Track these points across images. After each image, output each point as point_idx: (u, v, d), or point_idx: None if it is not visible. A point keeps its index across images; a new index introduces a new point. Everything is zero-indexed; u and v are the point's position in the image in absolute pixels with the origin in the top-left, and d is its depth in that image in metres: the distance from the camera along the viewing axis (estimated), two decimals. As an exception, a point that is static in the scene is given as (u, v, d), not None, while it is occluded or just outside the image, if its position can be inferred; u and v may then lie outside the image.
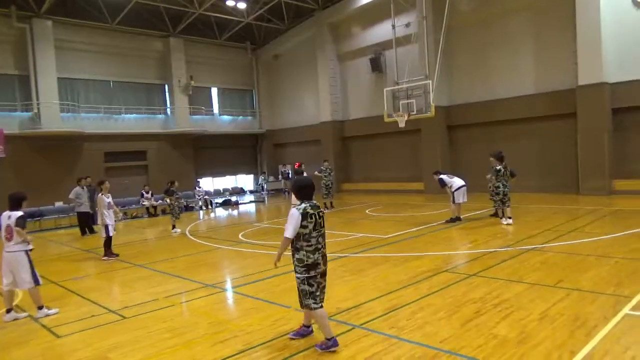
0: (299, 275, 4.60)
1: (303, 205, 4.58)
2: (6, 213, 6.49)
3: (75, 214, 15.65)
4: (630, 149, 16.26)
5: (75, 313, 6.49)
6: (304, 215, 4.51)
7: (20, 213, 6.46)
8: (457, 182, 12.47)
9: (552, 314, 5.19)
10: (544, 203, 15.02)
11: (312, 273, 4.54)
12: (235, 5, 24.00)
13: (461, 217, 12.48)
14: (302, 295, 4.65)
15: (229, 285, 7.86)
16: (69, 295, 7.52)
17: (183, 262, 9.88)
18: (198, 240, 12.57)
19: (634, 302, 5.41)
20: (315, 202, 4.70)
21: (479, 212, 13.59)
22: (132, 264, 9.89)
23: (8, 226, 6.36)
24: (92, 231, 15.30)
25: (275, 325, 5.44)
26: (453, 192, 12.38)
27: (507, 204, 11.54)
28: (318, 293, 4.61)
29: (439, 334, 4.85)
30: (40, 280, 6.53)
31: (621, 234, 9.41)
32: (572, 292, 5.94)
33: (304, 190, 4.72)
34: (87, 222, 15.33)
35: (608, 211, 12.69)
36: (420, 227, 11.98)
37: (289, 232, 4.52)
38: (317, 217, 4.59)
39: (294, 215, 4.51)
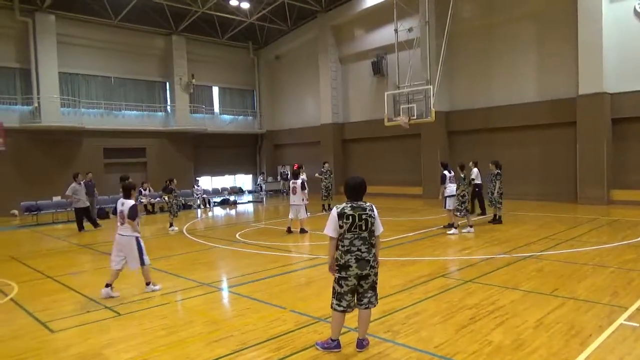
0: (335, 273, 4.63)
1: (343, 204, 4.60)
2: (120, 200, 7.11)
3: (73, 209, 15.55)
4: (629, 160, 16.30)
5: (70, 308, 6.49)
6: (340, 215, 4.51)
7: (131, 202, 7.02)
8: (453, 188, 12.38)
9: (548, 322, 5.20)
10: (542, 211, 15.04)
11: (343, 274, 4.52)
12: (239, 5, 24.02)
13: (458, 223, 12.44)
14: (332, 293, 4.66)
15: (225, 285, 7.84)
16: (65, 291, 7.51)
17: (179, 260, 9.87)
18: (195, 239, 12.55)
19: (629, 312, 5.43)
20: (362, 203, 4.60)
21: (476, 218, 13.59)
22: (128, 260, 9.87)
23: (121, 212, 6.98)
24: (96, 225, 15.34)
25: (271, 326, 5.44)
26: (445, 197, 12.31)
27: (468, 213, 11.66)
28: (347, 297, 4.56)
29: (434, 339, 4.85)
30: (147, 262, 7.14)
31: (618, 244, 9.44)
32: (567, 300, 5.95)
33: (348, 190, 4.70)
34: (86, 218, 15.26)
35: (605, 221, 12.71)
36: (418, 232, 11.99)
37: (326, 229, 4.60)
38: (357, 218, 4.50)
39: (332, 214, 4.58)
